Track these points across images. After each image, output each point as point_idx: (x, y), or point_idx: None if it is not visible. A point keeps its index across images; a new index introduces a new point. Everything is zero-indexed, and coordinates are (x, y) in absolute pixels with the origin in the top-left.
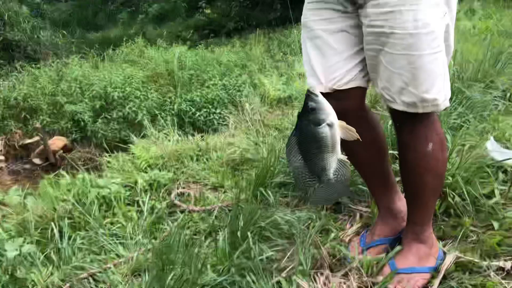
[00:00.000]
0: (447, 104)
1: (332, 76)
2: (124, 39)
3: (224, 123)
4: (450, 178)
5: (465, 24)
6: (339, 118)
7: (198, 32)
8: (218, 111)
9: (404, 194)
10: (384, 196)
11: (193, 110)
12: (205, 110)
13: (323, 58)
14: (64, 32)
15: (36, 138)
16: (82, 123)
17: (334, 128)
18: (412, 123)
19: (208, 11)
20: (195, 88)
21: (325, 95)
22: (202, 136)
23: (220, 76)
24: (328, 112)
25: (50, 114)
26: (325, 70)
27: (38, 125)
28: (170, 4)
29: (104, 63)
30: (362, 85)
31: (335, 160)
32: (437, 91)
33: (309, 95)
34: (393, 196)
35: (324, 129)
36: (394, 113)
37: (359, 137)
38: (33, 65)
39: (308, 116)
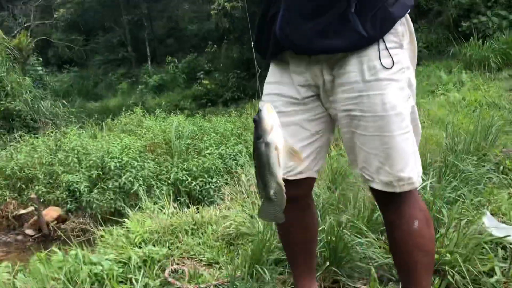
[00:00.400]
0: (421, 181)
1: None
2: (123, 108)
3: (220, 192)
4: (448, 255)
5: (455, 96)
6: (289, 203)
7: (196, 101)
8: (214, 180)
9: (398, 275)
10: (307, 277)
11: (189, 179)
12: (201, 179)
13: None
14: (65, 101)
15: (31, 209)
16: (77, 193)
17: (270, 148)
18: (395, 202)
19: (206, 81)
20: (191, 157)
21: None
22: (197, 209)
23: (217, 145)
24: (266, 129)
25: (46, 184)
26: None
27: (33, 195)
28: (169, 75)
29: (103, 133)
30: (312, 175)
31: (274, 181)
32: (411, 169)
33: (259, 110)
34: (313, 278)
35: (261, 145)
36: (376, 193)
37: (302, 161)
38: (32, 135)
39: (254, 128)
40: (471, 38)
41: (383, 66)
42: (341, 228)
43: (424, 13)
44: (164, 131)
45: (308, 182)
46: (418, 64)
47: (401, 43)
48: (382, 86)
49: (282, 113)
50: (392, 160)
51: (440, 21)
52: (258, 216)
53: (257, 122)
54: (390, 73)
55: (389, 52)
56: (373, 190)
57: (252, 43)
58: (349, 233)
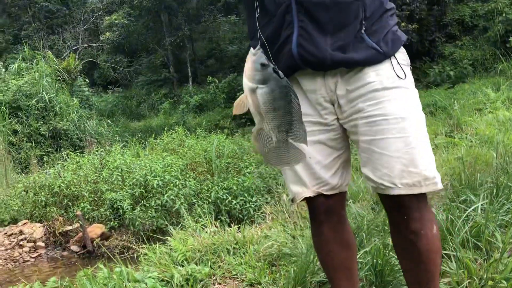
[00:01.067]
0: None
1: (317, 181)
2: (165, 128)
3: (261, 212)
4: (504, 281)
5: (504, 114)
6: (325, 215)
7: (236, 120)
8: (254, 199)
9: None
10: None
11: (230, 198)
12: (241, 198)
13: (307, 167)
14: (109, 121)
15: (76, 225)
16: (121, 210)
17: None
18: (417, 208)
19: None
20: (231, 176)
21: (313, 198)
22: (238, 228)
23: (257, 164)
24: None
25: (90, 201)
26: (309, 176)
27: (78, 212)
28: (210, 95)
29: (145, 151)
30: (344, 190)
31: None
32: (433, 168)
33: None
34: None
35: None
36: (396, 202)
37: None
38: (78, 153)
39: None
40: None
41: (398, 76)
42: (387, 251)
43: (469, 29)
44: (205, 150)
45: (342, 196)
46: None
47: (408, 62)
48: (401, 91)
49: (308, 132)
50: (417, 160)
51: (487, 37)
52: (264, 161)
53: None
54: (406, 82)
55: (401, 66)
56: (391, 201)
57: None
58: (395, 256)
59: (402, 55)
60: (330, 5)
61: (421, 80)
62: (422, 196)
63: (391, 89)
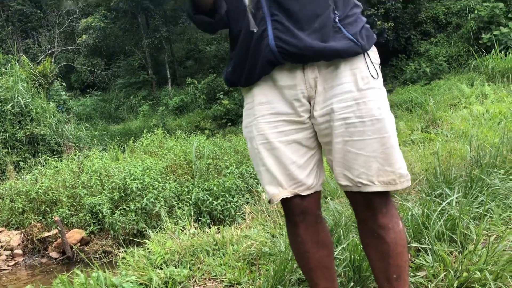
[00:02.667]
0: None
1: (292, 182)
2: (144, 130)
3: (241, 212)
4: (478, 273)
5: (478, 109)
6: (301, 216)
7: (216, 121)
8: (235, 199)
9: (383, 282)
10: None
11: (210, 199)
12: (222, 199)
13: (282, 167)
14: (87, 125)
15: (55, 231)
16: (100, 215)
17: None
18: (386, 204)
19: (225, 101)
20: (212, 177)
21: (288, 199)
22: (218, 228)
23: (237, 164)
24: None
25: (69, 206)
26: (285, 177)
27: (57, 218)
28: (189, 96)
29: (125, 155)
30: (319, 189)
31: None
32: (405, 167)
33: None
34: None
35: None
36: (369, 199)
37: None
38: (56, 158)
39: None
40: (493, 50)
41: (372, 76)
42: None
43: (443, 27)
44: (185, 151)
45: (317, 195)
46: (439, 78)
47: (379, 61)
48: (375, 93)
49: (282, 132)
50: (392, 159)
51: (460, 34)
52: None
53: None
54: (378, 83)
55: (374, 65)
56: (363, 198)
57: (225, 75)
58: None
59: (374, 54)
60: None
61: (398, 77)
62: (389, 192)
63: (366, 91)
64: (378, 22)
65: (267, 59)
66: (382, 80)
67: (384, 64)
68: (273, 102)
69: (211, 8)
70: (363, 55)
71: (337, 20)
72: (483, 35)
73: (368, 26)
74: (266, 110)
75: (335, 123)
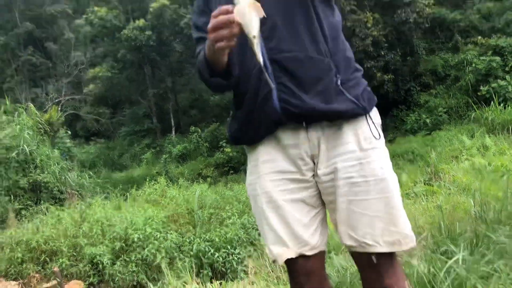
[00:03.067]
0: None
1: (297, 241)
2: (147, 178)
3: (243, 265)
4: None
5: (480, 161)
6: (306, 277)
7: (219, 169)
8: (237, 251)
9: None
10: None
11: (212, 250)
12: (224, 250)
13: (287, 226)
14: (91, 172)
15: (54, 282)
16: (100, 265)
17: (238, 7)
18: (391, 264)
19: (228, 149)
20: (214, 227)
21: (293, 259)
22: (220, 283)
23: (239, 214)
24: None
25: (69, 256)
26: (290, 236)
27: (56, 269)
28: (192, 144)
29: (127, 203)
30: (323, 249)
31: (258, 41)
32: (410, 227)
33: None
34: None
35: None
36: (372, 261)
37: (263, 14)
38: (58, 206)
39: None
40: (492, 102)
41: (374, 137)
42: None
43: (441, 79)
44: (187, 200)
45: (321, 255)
46: (439, 129)
47: (380, 122)
48: (377, 153)
49: (286, 190)
50: (397, 219)
51: (459, 86)
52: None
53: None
54: (380, 143)
55: (375, 126)
56: (368, 259)
57: (228, 134)
58: None
59: (375, 115)
60: (304, 60)
61: (399, 127)
62: (394, 253)
63: (368, 151)
64: (378, 74)
65: (272, 119)
66: (383, 140)
67: (385, 114)
68: (277, 161)
69: (225, 70)
70: (365, 116)
71: (339, 83)
72: (481, 88)
73: (369, 88)
74: (270, 168)
75: (339, 182)
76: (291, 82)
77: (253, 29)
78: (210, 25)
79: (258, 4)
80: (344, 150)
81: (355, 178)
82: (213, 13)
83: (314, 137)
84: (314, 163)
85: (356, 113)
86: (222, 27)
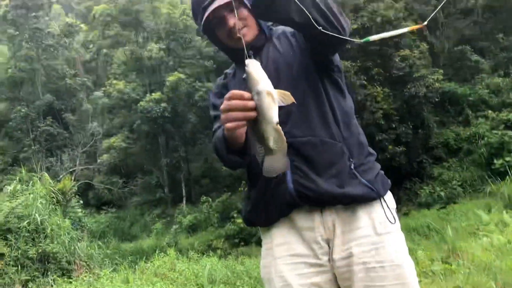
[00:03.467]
0: None
1: None
2: (156, 250)
3: None
4: None
5: (499, 238)
6: None
7: (229, 241)
8: None
9: None
10: None
11: None
12: None
13: None
14: (100, 243)
15: None
16: None
17: (262, 95)
18: None
19: (239, 220)
20: None
21: None
22: None
23: None
24: (255, 80)
25: None
26: None
27: None
28: (203, 214)
29: (135, 276)
30: None
31: (272, 129)
32: None
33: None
34: None
35: (253, 97)
36: None
37: (294, 100)
38: (66, 278)
39: (245, 88)
40: (507, 176)
41: (389, 221)
42: None
43: (454, 152)
44: (196, 275)
45: None
46: (454, 202)
47: (395, 206)
48: (393, 237)
49: (302, 275)
50: None
51: (472, 159)
52: (264, 173)
53: (246, 77)
54: (396, 227)
55: (390, 210)
56: None
57: (244, 215)
58: None
59: (390, 199)
60: (318, 144)
61: (413, 200)
62: None
63: (384, 235)
64: (390, 147)
65: (286, 201)
66: (399, 224)
67: (398, 187)
68: (292, 244)
69: (241, 149)
70: (379, 200)
71: (352, 167)
72: (495, 161)
73: (382, 172)
74: (285, 252)
75: (355, 268)
76: (306, 166)
77: (275, 116)
78: (222, 106)
79: (288, 93)
80: (359, 234)
81: (371, 263)
82: (226, 96)
83: (329, 220)
84: (329, 247)
85: (370, 197)
86: (233, 110)
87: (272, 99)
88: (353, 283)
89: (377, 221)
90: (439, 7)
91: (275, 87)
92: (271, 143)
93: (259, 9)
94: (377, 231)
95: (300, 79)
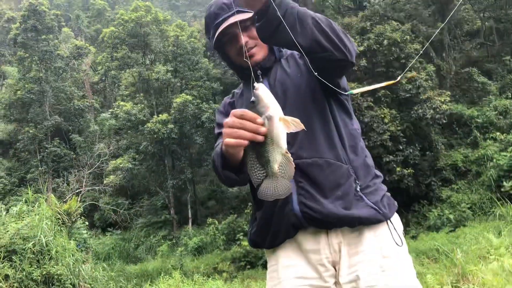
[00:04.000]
0: None
1: None
2: (161, 272)
3: None
4: None
5: (510, 263)
6: None
7: (235, 263)
8: None
9: None
10: None
11: None
12: None
13: None
14: (105, 265)
15: None
16: None
17: (273, 120)
18: None
19: (245, 243)
20: None
21: None
22: None
23: None
24: (266, 105)
25: None
26: None
27: None
28: (209, 236)
29: None
30: None
31: (279, 154)
32: None
33: (253, 89)
34: None
35: (264, 122)
36: None
37: (304, 127)
38: None
39: (251, 109)
40: None
41: (396, 243)
42: None
43: (462, 174)
44: None
45: None
46: (463, 225)
47: (402, 228)
48: (400, 261)
49: None
50: None
51: (481, 182)
52: (259, 196)
53: (256, 100)
54: (403, 250)
55: (397, 232)
56: None
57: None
58: None
59: (397, 221)
60: (323, 166)
61: (421, 223)
62: None
63: (391, 258)
64: (398, 169)
65: (292, 222)
66: (406, 247)
67: (406, 209)
68: (298, 266)
69: (237, 166)
70: (386, 222)
71: (358, 189)
72: (504, 183)
73: (389, 194)
74: (291, 274)
75: None
76: (311, 187)
77: (285, 143)
78: (229, 121)
79: (298, 120)
80: (365, 257)
81: (378, 286)
82: (236, 112)
83: (335, 242)
84: (335, 270)
85: (376, 220)
86: (241, 128)
87: (284, 125)
88: None
89: (384, 244)
90: (437, 31)
91: (282, 108)
92: (276, 168)
93: (265, 33)
94: (384, 253)
95: (307, 101)
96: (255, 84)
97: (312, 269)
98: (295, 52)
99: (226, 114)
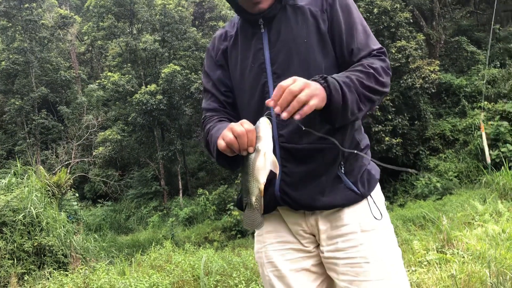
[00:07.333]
0: None
1: None
2: (153, 242)
3: None
4: None
5: (493, 228)
6: None
7: (226, 233)
8: None
9: None
10: None
11: None
12: None
13: None
14: (96, 236)
15: None
16: None
17: (259, 154)
18: None
19: (235, 212)
20: None
21: None
22: None
23: (247, 282)
24: (260, 137)
25: None
26: None
27: None
28: (200, 207)
29: (131, 268)
30: None
31: (256, 188)
32: None
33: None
34: None
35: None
36: None
37: (277, 172)
38: (62, 271)
39: None
40: (502, 167)
41: (375, 218)
42: None
43: (450, 143)
44: (192, 266)
45: None
46: (450, 193)
47: (383, 199)
48: (380, 233)
49: (290, 260)
50: None
51: (468, 151)
52: (243, 226)
53: (256, 128)
54: (382, 223)
55: (377, 206)
56: None
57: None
58: None
59: (376, 195)
60: (313, 152)
61: (409, 191)
62: None
63: (369, 232)
64: (386, 138)
65: (273, 201)
66: (387, 218)
67: (394, 178)
68: (280, 231)
69: (231, 159)
70: (365, 199)
71: (342, 170)
72: (490, 152)
73: (370, 166)
74: (274, 238)
75: (340, 262)
76: (295, 171)
77: (262, 178)
78: (235, 130)
79: (277, 164)
80: (345, 231)
81: (357, 259)
82: (243, 130)
83: (311, 219)
84: (315, 237)
85: (353, 201)
86: (236, 143)
87: (266, 161)
88: (339, 275)
89: (362, 217)
90: None
91: (285, 71)
92: (253, 200)
93: (333, 122)
94: (363, 227)
95: (311, 71)
96: (261, 118)
97: (292, 236)
98: (308, 5)
99: (216, 64)
